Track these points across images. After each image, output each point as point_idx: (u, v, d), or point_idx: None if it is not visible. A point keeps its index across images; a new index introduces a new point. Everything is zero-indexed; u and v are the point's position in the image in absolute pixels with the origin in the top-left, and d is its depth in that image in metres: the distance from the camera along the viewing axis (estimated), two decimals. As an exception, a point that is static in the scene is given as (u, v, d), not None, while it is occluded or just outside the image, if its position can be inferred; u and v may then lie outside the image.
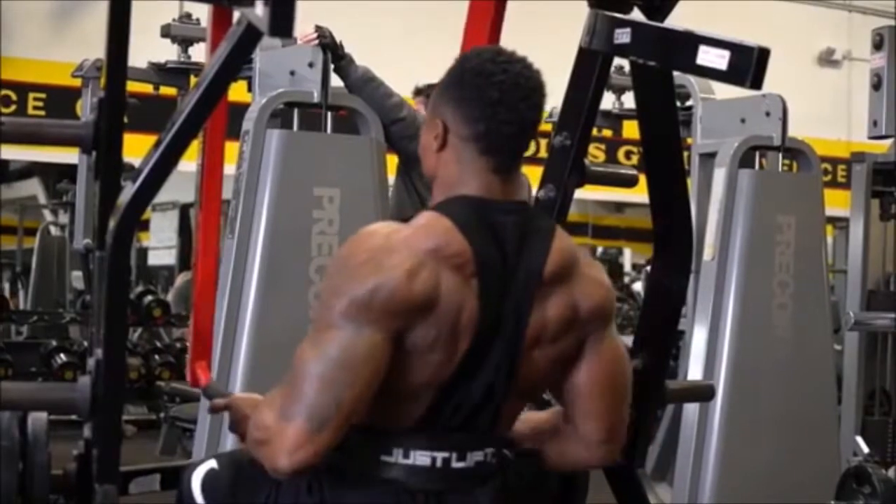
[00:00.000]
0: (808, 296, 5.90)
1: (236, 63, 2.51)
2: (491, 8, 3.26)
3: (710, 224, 5.90)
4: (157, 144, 2.54)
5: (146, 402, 9.10)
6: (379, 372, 2.46)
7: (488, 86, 2.58)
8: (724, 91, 6.34)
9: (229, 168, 5.43)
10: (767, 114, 5.97)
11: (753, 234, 5.82)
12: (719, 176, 5.90)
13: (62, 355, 8.96)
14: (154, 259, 14.92)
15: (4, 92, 9.75)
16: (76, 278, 10.98)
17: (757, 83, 2.63)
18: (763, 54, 2.61)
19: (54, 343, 9.16)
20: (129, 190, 2.54)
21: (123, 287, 2.57)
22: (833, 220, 10.89)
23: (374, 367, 2.45)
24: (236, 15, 2.47)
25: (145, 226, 14.73)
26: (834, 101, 11.11)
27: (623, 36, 2.88)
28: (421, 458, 2.57)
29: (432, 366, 2.52)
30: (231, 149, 5.48)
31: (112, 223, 2.54)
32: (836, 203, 8.95)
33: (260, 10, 2.34)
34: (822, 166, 11.92)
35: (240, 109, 5.23)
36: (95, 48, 7.22)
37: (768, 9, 12.01)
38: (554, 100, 3.20)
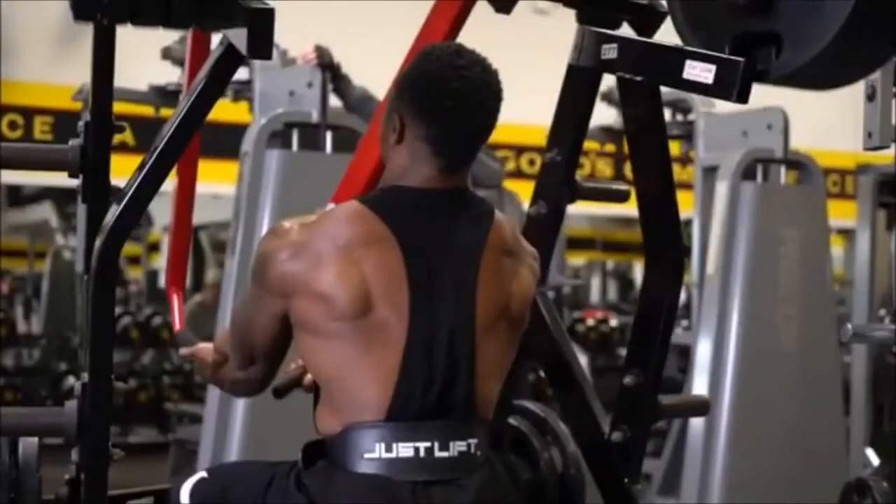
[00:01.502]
0: (813, 308, 5.89)
1: (218, 84, 2.51)
2: (450, 20, 3.25)
3: (713, 237, 5.90)
4: (140, 167, 2.54)
5: (156, 424, 9.12)
6: (274, 332, 2.67)
7: (444, 93, 2.61)
8: (726, 104, 6.35)
9: (227, 188, 5.43)
10: (769, 127, 5.98)
11: (757, 247, 5.82)
12: (721, 189, 5.90)
13: (72, 379, 8.96)
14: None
15: (11, 116, 9.75)
16: (86, 301, 10.97)
17: (743, 97, 2.62)
18: (749, 67, 2.59)
19: (64, 367, 9.17)
20: (113, 212, 2.54)
21: (109, 310, 2.56)
22: (845, 232, 10.86)
23: (267, 329, 2.67)
24: (215, 39, 2.47)
25: (157, 248, 14.75)
26: (842, 113, 11.07)
27: (610, 51, 2.89)
28: (403, 449, 2.59)
29: (369, 341, 2.57)
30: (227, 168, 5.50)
31: (97, 245, 2.54)
32: (848, 214, 8.92)
33: (240, 33, 2.35)
34: (831, 178, 11.97)
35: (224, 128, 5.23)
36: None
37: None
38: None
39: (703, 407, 3.35)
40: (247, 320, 2.70)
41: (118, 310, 10.18)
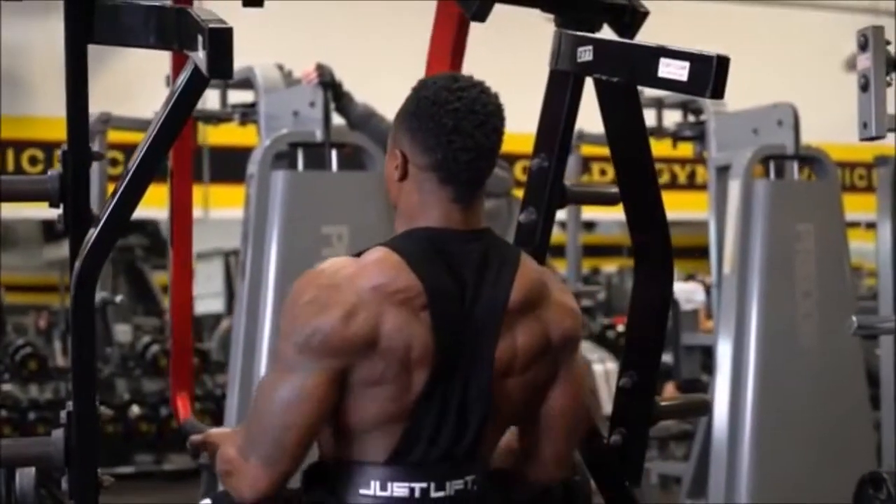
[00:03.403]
0: (833, 303, 5.84)
1: (186, 104, 2.53)
2: (453, 28, 3.26)
3: (728, 237, 5.87)
4: (114, 192, 2.55)
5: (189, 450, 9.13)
6: (323, 411, 2.51)
7: (443, 114, 2.57)
8: (737, 103, 6.33)
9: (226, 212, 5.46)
10: (780, 123, 5.94)
11: (772, 244, 5.79)
12: (734, 188, 5.87)
13: (103, 408, 9.01)
14: (201, 307, 14.97)
15: (31, 151, 9.84)
16: (120, 332, 11.04)
17: (717, 92, 2.61)
18: (722, 62, 2.59)
19: (94, 399, 9.19)
20: (90, 236, 2.55)
21: (89, 335, 2.57)
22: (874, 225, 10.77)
23: (317, 406, 2.51)
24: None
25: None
26: (864, 105, 11.01)
27: (586, 54, 2.87)
28: (398, 489, 2.57)
29: (391, 400, 2.52)
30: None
31: (75, 270, 2.56)
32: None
33: (201, 53, 2.36)
34: (858, 171, 11.88)
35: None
36: (119, 102, 7.24)
37: (793, 18, 11.97)
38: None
39: (702, 407, 3.33)
40: (292, 397, 2.49)
41: (147, 339, 10.22)
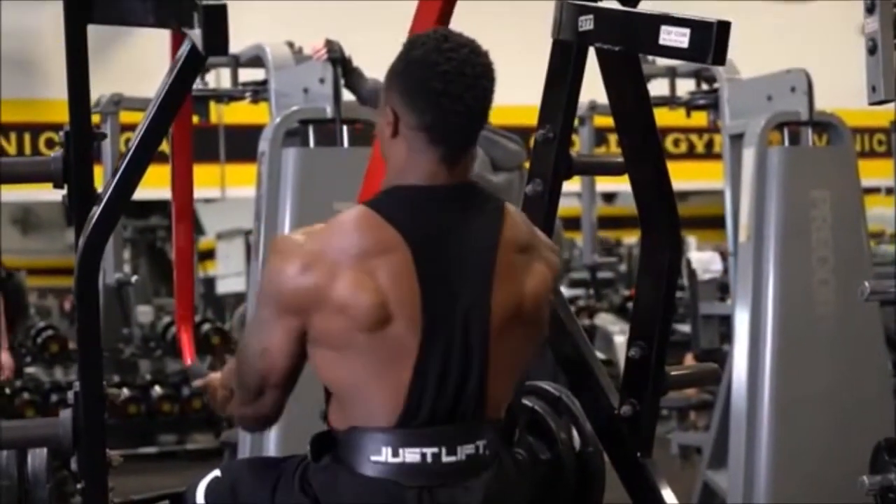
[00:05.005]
0: (849, 269, 5.81)
1: (183, 84, 2.52)
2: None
3: (743, 205, 5.84)
4: (115, 171, 2.55)
5: (212, 429, 9.18)
6: (287, 362, 2.58)
7: (433, 77, 2.56)
8: (750, 69, 6.31)
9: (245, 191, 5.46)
10: (793, 89, 5.91)
11: (788, 211, 5.76)
12: (748, 155, 5.85)
13: (125, 390, 9.09)
14: (223, 287, 15.02)
15: (48, 134, 9.86)
16: (142, 313, 11.07)
17: (719, 59, 2.60)
18: (723, 29, 2.58)
19: (116, 378, 9.28)
20: (93, 213, 2.56)
21: (94, 313, 2.57)
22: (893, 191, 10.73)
23: (280, 357, 2.58)
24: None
25: (210, 255, 14.84)
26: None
27: (587, 23, 2.87)
28: (410, 455, 2.57)
29: (387, 359, 2.54)
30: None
31: (78, 249, 2.56)
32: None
33: (198, 31, 2.36)
34: (877, 137, 11.80)
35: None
36: (131, 83, 7.24)
37: (808, -18, 11.91)
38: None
39: (714, 375, 3.32)
40: (259, 347, 2.59)
41: (168, 319, 10.25)
